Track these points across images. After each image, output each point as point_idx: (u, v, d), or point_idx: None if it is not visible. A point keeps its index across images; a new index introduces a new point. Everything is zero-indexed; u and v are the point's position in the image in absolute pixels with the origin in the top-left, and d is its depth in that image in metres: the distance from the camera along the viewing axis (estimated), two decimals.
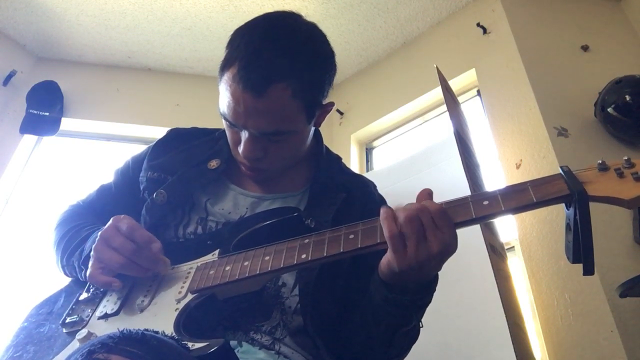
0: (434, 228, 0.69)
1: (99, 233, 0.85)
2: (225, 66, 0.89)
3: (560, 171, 0.68)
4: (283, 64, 0.85)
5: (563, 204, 0.68)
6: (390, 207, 0.73)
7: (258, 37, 0.87)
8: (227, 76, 0.88)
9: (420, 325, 0.87)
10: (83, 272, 0.91)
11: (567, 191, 0.66)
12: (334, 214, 0.93)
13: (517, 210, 0.68)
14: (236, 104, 0.86)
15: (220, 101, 0.90)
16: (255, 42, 0.86)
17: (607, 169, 0.67)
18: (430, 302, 0.82)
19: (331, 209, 0.94)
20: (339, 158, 1.13)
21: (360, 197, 1.02)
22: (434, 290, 0.80)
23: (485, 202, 0.70)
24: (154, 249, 0.84)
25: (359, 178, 1.11)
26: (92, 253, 0.85)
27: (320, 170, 1.04)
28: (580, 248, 0.65)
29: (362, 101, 3.08)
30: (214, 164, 1.02)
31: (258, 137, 0.89)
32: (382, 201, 1.06)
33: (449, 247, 0.70)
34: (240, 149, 0.92)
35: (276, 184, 1.01)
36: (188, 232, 0.96)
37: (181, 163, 1.03)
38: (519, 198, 0.68)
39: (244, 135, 0.90)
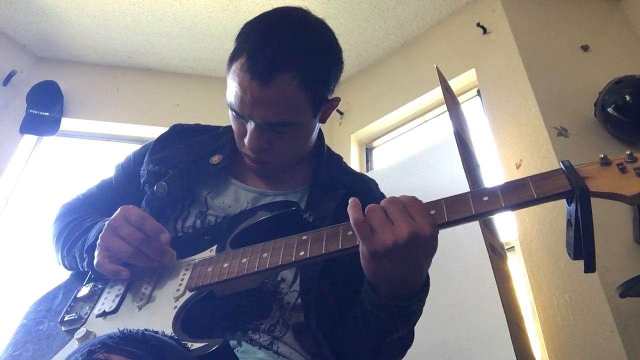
0: (403, 213, 0.68)
1: (107, 222, 0.85)
2: (233, 57, 0.90)
3: (562, 166, 0.67)
4: (290, 54, 0.85)
5: (564, 200, 0.67)
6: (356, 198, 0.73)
7: (266, 28, 0.88)
8: (235, 67, 0.89)
9: (412, 336, 0.86)
10: (85, 261, 0.91)
11: (569, 187, 0.64)
12: (334, 209, 0.93)
13: (517, 206, 0.67)
14: (243, 94, 0.86)
15: (228, 92, 0.91)
16: (263, 33, 0.88)
17: (609, 164, 0.65)
18: (419, 313, 0.81)
19: (331, 204, 0.94)
20: (340, 157, 1.13)
21: (361, 195, 1.00)
22: (423, 299, 0.79)
23: (485, 198, 0.68)
24: (163, 240, 0.84)
25: (360, 176, 1.11)
26: (99, 242, 0.85)
27: (321, 168, 1.04)
28: (582, 245, 0.64)
29: (362, 101, 3.07)
30: (216, 159, 1.02)
31: (264, 128, 0.90)
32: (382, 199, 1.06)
33: (422, 235, 0.67)
34: (246, 139, 0.92)
35: (278, 181, 1.01)
36: (187, 225, 0.96)
37: (183, 157, 1.03)
38: (520, 194, 0.66)
39: (250, 125, 0.91)
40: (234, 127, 0.97)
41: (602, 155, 0.66)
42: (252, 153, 0.95)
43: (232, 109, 0.92)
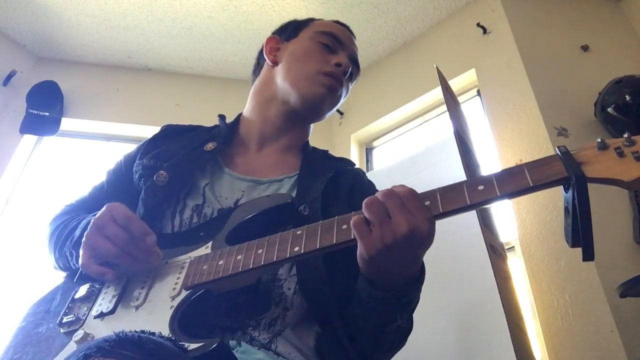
0: (401, 208, 0.67)
1: (93, 220, 0.84)
2: (306, 23, 1.15)
3: (558, 151, 0.64)
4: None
5: (561, 187, 0.64)
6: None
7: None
8: (318, 22, 1.15)
9: (411, 324, 0.86)
10: (74, 257, 0.90)
11: (565, 173, 0.62)
12: (322, 190, 0.95)
13: (513, 195, 0.65)
14: (342, 32, 1.12)
15: (322, 27, 1.12)
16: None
17: (606, 148, 0.62)
18: (417, 301, 0.81)
19: (320, 186, 0.96)
20: (325, 151, 1.17)
21: (348, 176, 1.04)
22: (419, 288, 0.79)
23: (481, 187, 0.66)
24: (149, 241, 0.83)
25: (347, 161, 1.15)
26: (83, 239, 0.83)
27: (308, 156, 1.08)
28: (579, 232, 0.61)
29: (362, 101, 3.07)
30: (210, 146, 1.05)
31: (350, 60, 1.10)
32: (370, 185, 1.08)
33: (420, 231, 0.66)
34: (342, 59, 1.08)
35: (270, 168, 1.03)
36: (184, 218, 0.95)
37: (178, 149, 1.05)
38: (515, 182, 0.65)
39: (342, 54, 1.09)
40: (315, 54, 1.08)
41: (600, 139, 0.63)
42: (341, 74, 1.08)
43: (333, 36, 1.10)
